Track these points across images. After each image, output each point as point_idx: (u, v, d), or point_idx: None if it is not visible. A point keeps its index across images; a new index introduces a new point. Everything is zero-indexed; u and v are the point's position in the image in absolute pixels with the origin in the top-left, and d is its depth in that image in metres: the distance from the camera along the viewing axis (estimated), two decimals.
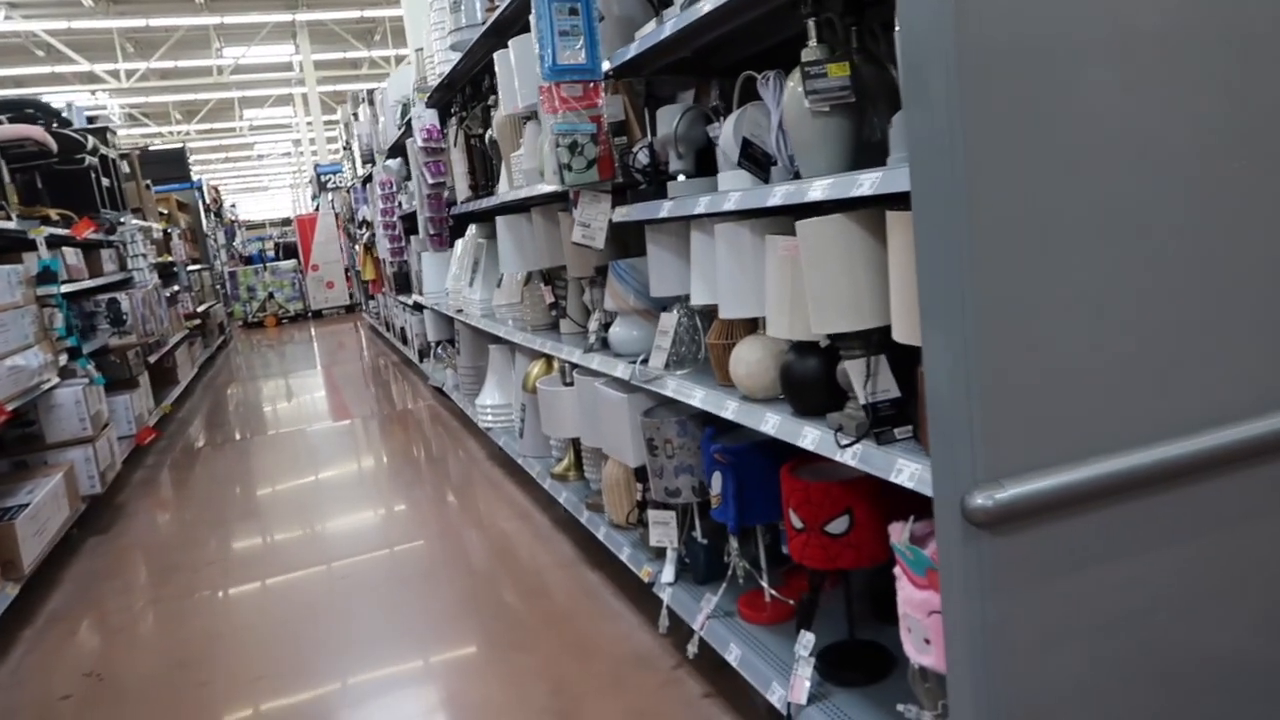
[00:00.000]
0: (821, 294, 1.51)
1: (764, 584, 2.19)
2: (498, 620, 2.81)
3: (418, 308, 6.68)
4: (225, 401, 7.69)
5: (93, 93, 19.39)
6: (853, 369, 1.49)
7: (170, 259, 8.29)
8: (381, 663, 2.63)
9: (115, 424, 5.27)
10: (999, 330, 1.20)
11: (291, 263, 14.19)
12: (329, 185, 14.26)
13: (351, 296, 14.16)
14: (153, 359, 6.55)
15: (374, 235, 7.67)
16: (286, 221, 20.52)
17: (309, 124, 20.36)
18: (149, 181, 8.53)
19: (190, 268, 9.96)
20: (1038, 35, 1.18)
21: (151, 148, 15.65)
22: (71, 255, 4.93)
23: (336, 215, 13.15)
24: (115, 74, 17.69)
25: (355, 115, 8.62)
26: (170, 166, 11.31)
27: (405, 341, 7.94)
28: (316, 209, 15.06)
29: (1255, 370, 1.35)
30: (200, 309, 9.80)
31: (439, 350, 6.20)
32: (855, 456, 1.48)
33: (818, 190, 1.47)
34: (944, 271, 1.18)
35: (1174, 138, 1.27)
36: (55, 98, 17.92)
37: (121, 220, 6.24)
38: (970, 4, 1.14)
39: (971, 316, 1.18)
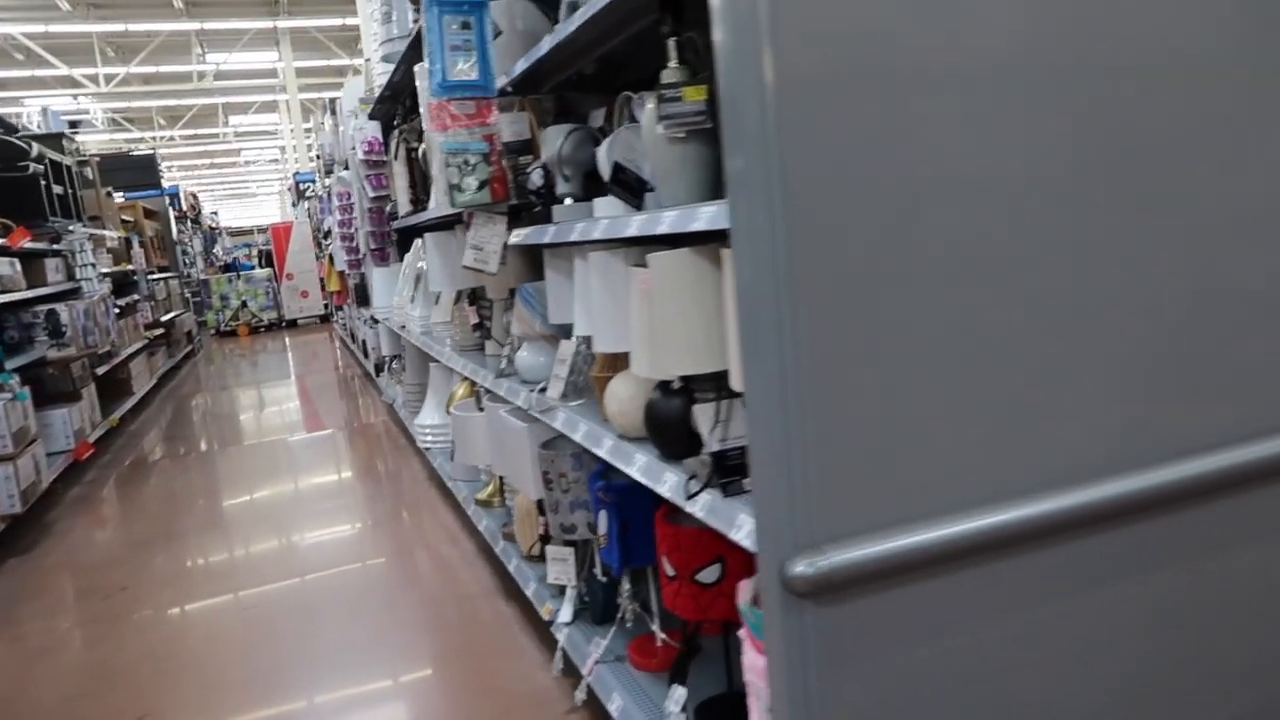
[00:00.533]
0: (668, 332, 1.41)
1: (654, 628, 2.08)
2: (404, 653, 2.69)
3: (375, 321, 6.57)
4: (182, 414, 7.55)
5: (74, 97, 19.26)
6: (701, 413, 1.39)
7: (130, 267, 8.16)
8: (277, 699, 2.51)
9: (51, 439, 5.15)
10: (825, 382, 1.10)
11: (266, 271, 14.05)
12: (307, 194, 14.14)
13: (326, 306, 14.03)
14: (101, 370, 6.42)
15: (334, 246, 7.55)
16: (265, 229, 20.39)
17: (292, 131, 20.25)
18: (110, 189, 8.40)
19: (155, 276, 9.83)
20: (871, 64, 1.09)
21: (134, 153, 15.53)
22: (6, 265, 4.81)
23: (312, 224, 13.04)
24: (94, 79, 17.56)
25: (322, 124, 8.53)
26: (141, 173, 11.19)
27: (366, 354, 7.82)
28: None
29: (1116, 425, 1.25)
30: (165, 318, 9.66)
31: (393, 365, 6.09)
32: (703, 507, 1.37)
33: (664, 223, 1.38)
34: (763, 315, 1.08)
35: (1029, 172, 1.18)
36: (34, 101, 17.80)
37: (71, 229, 6.12)
38: (790, 29, 1.05)
39: (792, 365, 1.09)
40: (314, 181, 13.76)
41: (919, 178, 1.12)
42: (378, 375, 6.92)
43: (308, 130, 20.28)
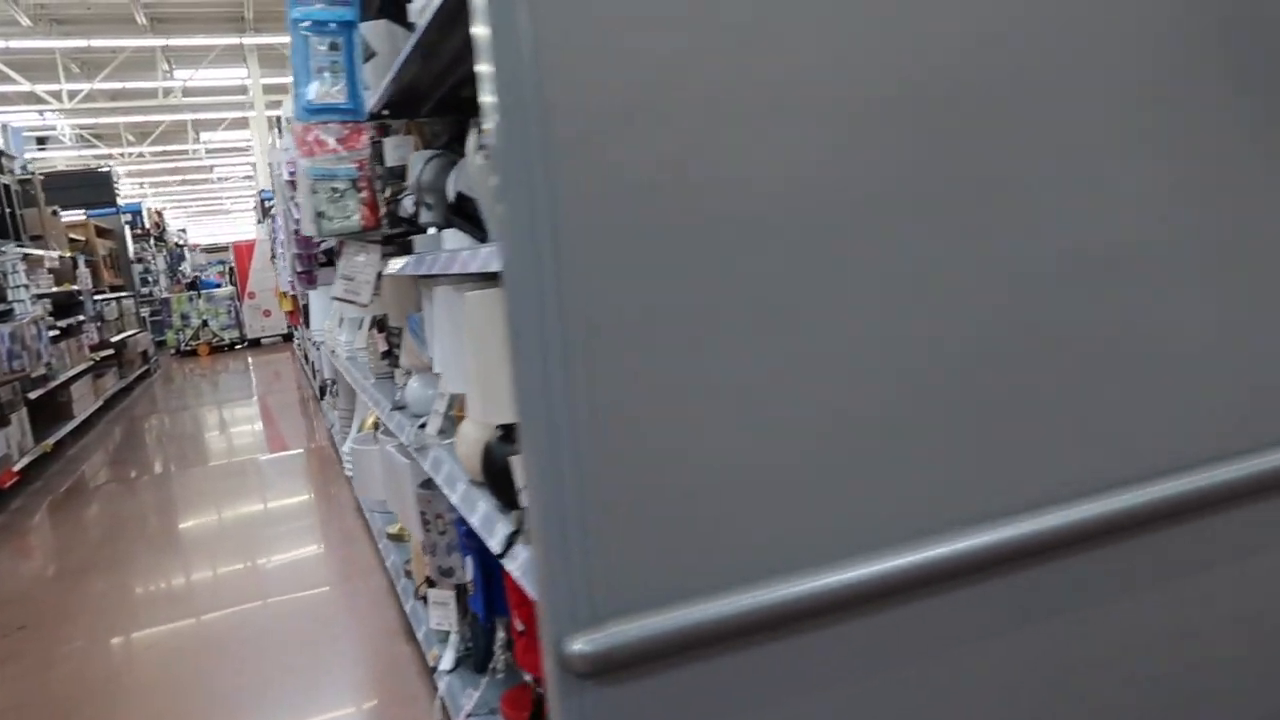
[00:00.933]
0: (487, 375, 1.31)
1: (527, 679, 1.97)
2: (294, 698, 2.56)
3: (318, 344, 6.44)
4: (126, 438, 7.38)
5: (40, 114, 19.01)
6: (518, 464, 1.29)
7: (75, 288, 7.99)
8: None
9: None
10: (607, 440, 1.01)
11: (228, 289, 13.88)
12: (271, 211, 13.98)
13: (289, 325, 13.86)
14: (35, 394, 6.25)
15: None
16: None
17: (261, 147, 20.08)
18: (55, 207, 8.24)
19: (106, 296, 9.65)
20: (653, 96, 1.00)
21: (98, 169, 15.29)
22: None
23: None
24: (58, 95, 17.34)
25: (274, 142, 8.41)
26: (95, 190, 11.01)
27: (315, 376, 7.68)
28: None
29: (945, 480, 1.16)
30: (116, 339, 9.48)
31: (333, 389, 5.95)
32: (520, 565, 1.27)
33: (478, 259, 1.28)
34: (532, 364, 0.99)
35: (841, 208, 1.09)
36: None
37: (1, 249, 5.97)
38: (562, 60, 0.96)
39: (566, 422, 0.99)
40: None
41: (713, 216, 1.03)
42: (321, 398, 6.78)
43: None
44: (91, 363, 8.06)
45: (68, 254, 8.02)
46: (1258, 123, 1.30)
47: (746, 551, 1.07)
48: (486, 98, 0.97)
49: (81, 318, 8.02)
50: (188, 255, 19.49)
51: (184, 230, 21.08)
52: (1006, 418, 1.19)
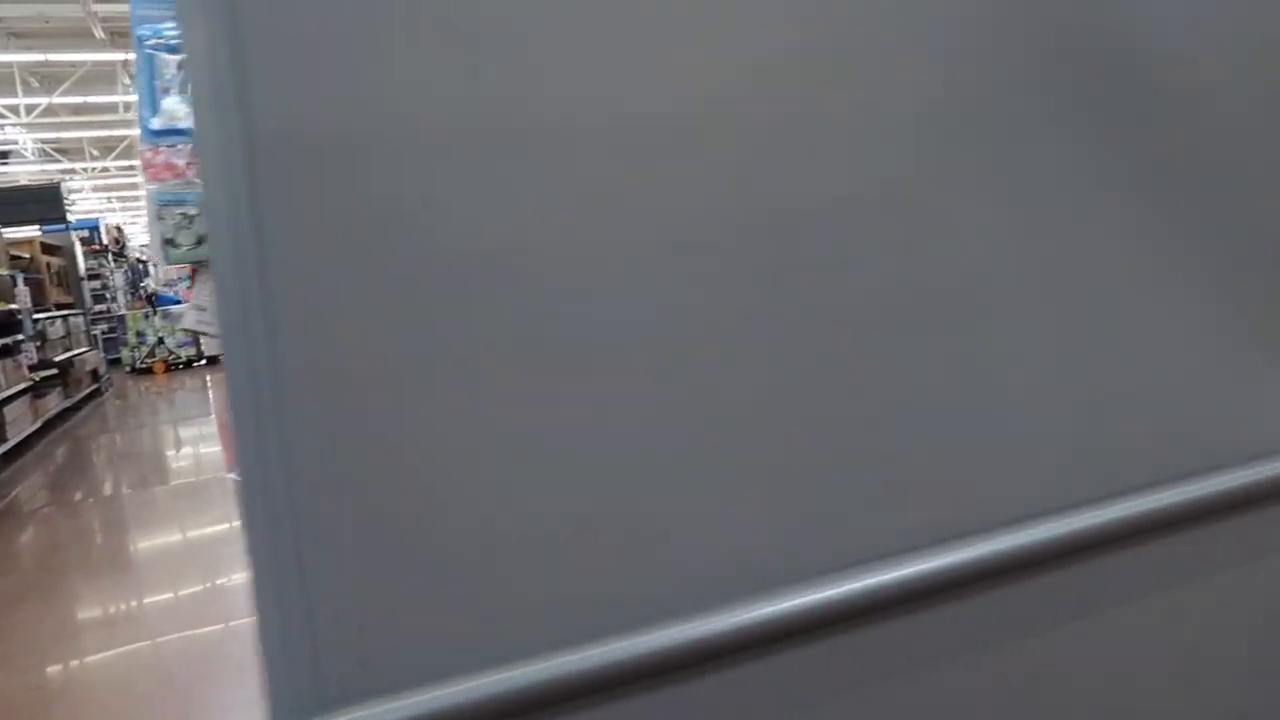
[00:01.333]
0: None
1: None
2: None
3: None
4: (68, 460, 7.19)
5: (0, 127, 18.73)
6: None
7: (13, 306, 7.80)
8: None
9: None
10: (336, 497, 0.91)
11: (185, 305, 13.67)
12: None
13: None
14: None
15: None
16: None
17: None
18: None
19: (52, 314, 9.44)
20: (407, 120, 0.91)
21: (50, 183, 15.06)
22: None
23: None
24: (15, 109, 17.10)
25: None
26: (44, 206, 10.81)
27: None
28: None
29: (754, 539, 1.07)
30: (60, 358, 9.27)
31: None
32: None
33: None
34: (252, 423, 0.89)
35: (636, 241, 1.00)
36: None
37: None
38: (272, 87, 0.87)
39: (283, 480, 0.89)
40: None
41: (454, 255, 0.94)
42: None
43: None
44: (30, 383, 7.87)
45: (5, 271, 7.83)
46: (1097, 157, 1.23)
47: (508, 623, 0.97)
48: (192, 124, 0.88)
49: (20, 337, 7.83)
50: (152, 270, 19.24)
51: (145, 245, 20.77)
52: (814, 473, 1.10)
